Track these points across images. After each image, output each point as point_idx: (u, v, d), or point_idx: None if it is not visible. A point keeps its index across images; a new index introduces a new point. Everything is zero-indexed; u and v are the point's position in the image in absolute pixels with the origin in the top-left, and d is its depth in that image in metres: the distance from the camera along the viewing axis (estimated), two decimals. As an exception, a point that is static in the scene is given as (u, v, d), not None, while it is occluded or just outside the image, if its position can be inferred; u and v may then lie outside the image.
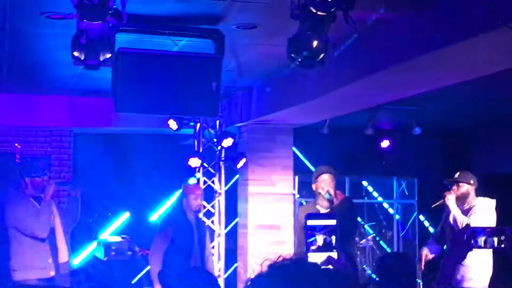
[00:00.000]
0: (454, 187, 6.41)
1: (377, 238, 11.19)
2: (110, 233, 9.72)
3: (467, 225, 2.57)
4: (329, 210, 6.25)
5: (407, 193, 11.38)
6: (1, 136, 8.90)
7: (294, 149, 8.76)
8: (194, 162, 8.09)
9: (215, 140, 8.47)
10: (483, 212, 6.27)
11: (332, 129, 9.68)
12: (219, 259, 8.54)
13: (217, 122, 8.56)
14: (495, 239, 2.49)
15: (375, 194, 11.63)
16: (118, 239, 9.21)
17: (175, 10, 4.84)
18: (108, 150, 9.46)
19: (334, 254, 2.00)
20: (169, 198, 10.07)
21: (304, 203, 10.54)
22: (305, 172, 10.57)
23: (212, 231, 8.51)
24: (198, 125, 8.65)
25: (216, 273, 8.29)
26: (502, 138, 10.74)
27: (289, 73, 6.74)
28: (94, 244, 9.41)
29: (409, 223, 11.32)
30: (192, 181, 8.04)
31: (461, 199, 6.39)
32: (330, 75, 5.81)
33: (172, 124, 8.34)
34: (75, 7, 3.69)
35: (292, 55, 4.16)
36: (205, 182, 8.60)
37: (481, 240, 2.49)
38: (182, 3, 4.70)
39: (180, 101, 5.30)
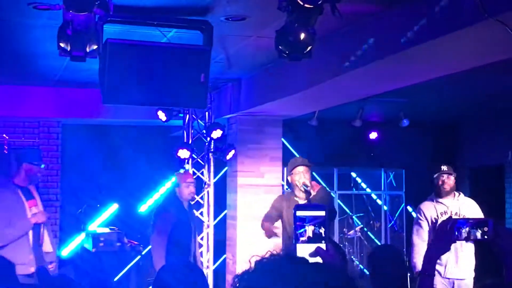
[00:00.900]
0: (445, 179, 6.52)
1: (365, 229, 11.25)
2: (98, 224, 9.71)
3: (450, 217, 2.58)
4: (306, 201, 6.27)
5: (395, 185, 11.45)
6: (-12, 127, 8.86)
7: (283, 140, 8.77)
8: (183, 153, 8.09)
9: (204, 131, 8.47)
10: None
11: (320, 120, 9.71)
12: (208, 250, 8.56)
13: (206, 113, 8.56)
14: (479, 231, 2.50)
15: (363, 185, 11.69)
16: (106, 230, 9.21)
17: (163, 1, 4.83)
18: (96, 141, 9.45)
19: (323, 246, 2.01)
20: (158, 189, 10.07)
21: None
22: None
23: (201, 222, 8.52)
24: (187, 116, 8.65)
25: (204, 265, 8.32)
26: (489, 130, 10.81)
27: (278, 65, 6.75)
28: (82, 235, 9.40)
29: (397, 214, 11.40)
30: (183, 170, 8.05)
31: (450, 191, 6.53)
32: (318, 67, 5.82)
33: (161, 116, 8.34)
34: (61, -3, 3.67)
35: (280, 47, 4.17)
36: (194, 174, 8.59)
37: (465, 231, 2.50)
38: (170, -6, 4.69)
39: (168, 93, 5.29)
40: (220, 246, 8.80)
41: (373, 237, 11.38)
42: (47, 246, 6.29)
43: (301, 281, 1.47)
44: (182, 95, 5.37)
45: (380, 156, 11.00)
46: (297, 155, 10.86)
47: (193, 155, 8.42)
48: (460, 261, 6.43)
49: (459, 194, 6.62)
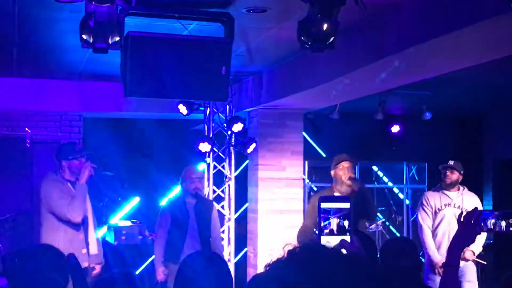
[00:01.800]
0: (448, 173, 7.06)
1: (387, 223, 11.19)
2: (120, 217, 9.76)
3: (475, 208, 2.55)
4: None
5: (417, 178, 11.37)
6: (11, 121, 8.92)
7: (304, 134, 8.75)
8: (204, 147, 8.10)
9: (225, 125, 8.46)
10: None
11: (342, 114, 9.66)
12: (229, 244, 8.56)
13: (227, 107, 8.55)
14: (504, 222, 2.48)
15: (385, 179, 11.62)
16: (128, 223, 9.25)
17: (184, -6, 4.82)
18: (117, 134, 9.47)
19: (347, 238, 2.00)
20: (179, 183, 10.08)
21: (315, 189, 10.55)
22: (315, 157, 10.58)
23: (222, 216, 8.53)
24: (208, 110, 8.64)
25: (226, 257, 8.32)
26: (512, 123, 10.70)
27: (299, 58, 6.72)
28: (104, 229, 9.45)
29: (419, 208, 11.30)
30: (200, 166, 8.08)
31: (452, 185, 7.08)
32: (340, 59, 5.78)
33: (182, 109, 8.35)
34: (83, -11, 3.68)
35: (302, 38, 4.14)
36: (215, 167, 8.61)
37: (490, 222, 2.48)
38: (191, -14, 4.68)
39: (189, 86, 5.29)
40: (241, 239, 8.81)
41: (394, 231, 11.32)
42: (92, 247, 6.23)
43: (334, 272, 1.45)
44: (203, 88, 5.36)
45: (402, 150, 10.93)
46: (318, 149, 10.85)
47: (214, 149, 8.42)
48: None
49: (464, 188, 7.15)
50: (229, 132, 8.37)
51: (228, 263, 8.30)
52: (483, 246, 7.84)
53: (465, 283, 6.83)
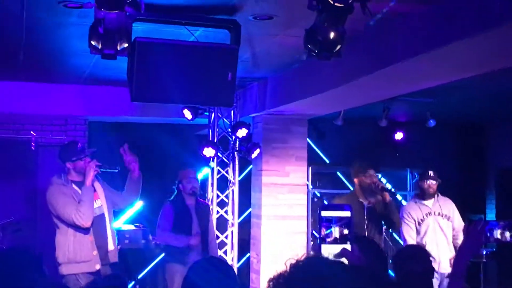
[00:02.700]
0: (432, 183, 7.27)
1: (390, 230, 11.16)
2: (124, 221, 9.77)
3: (480, 218, 2.57)
4: (371, 204, 6.67)
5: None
6: (17, 124, 8.95)
7: (308, 140, 8.76)
8: (209, 151, 8.12)
9: (229, 130, 8.48)
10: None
11: (346, 120, 9.68)
12: (232, 249, 8.57)
13: (232, 112, 8.58)
14: (508, 233, 2.50)
15: (388, 185, 11.60)
16: (132, 227, 9.26)
17: (192, 0, 4.84)
18: (122, 139, 9.48)
19: (348, 247, 2.01)
20: (175, 186, 10.07)
21: (318, 195, 10.55)
22: (319, 163, 10.60)
23: (225, 221, 8.55)
24: (213, 115, 8.67)
25: (229, 263, 8.33)
26: (517, 131, 10.70)
27: (304, 65, 6.74)
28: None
29: (422, 215, 11.29)
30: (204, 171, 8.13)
31: (432, 195, 7.32)
32: (345, 66, 5.80)
33: (187, 114, 8.38)
34: (93, -4, 3.70)
35: (309, 46, 4.17)
36: (219, 172, 8.63)
37: (496, 233, 2.50)
38: (199, -7, 4.70)
39: (195, 91, 5.31)
40: (245, 244, 8.82)
41: (397, 237, 11.30)
42: (109, 243, 6.18)
43: (338, 284, 1.46)
44: (209, 94, 5.38)
45: (406, 157, 10.93)
46: (322, 155, 10.86)
47: (218, 154, 8.44)
48: (446, 255, 7.03)
49: (438, 194, 7.37)
50: (234, 137, 8.39)
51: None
52: (486, 254, 7.89)
53: None
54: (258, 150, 8.07)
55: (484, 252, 8.02)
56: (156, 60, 4.98)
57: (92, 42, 3.96)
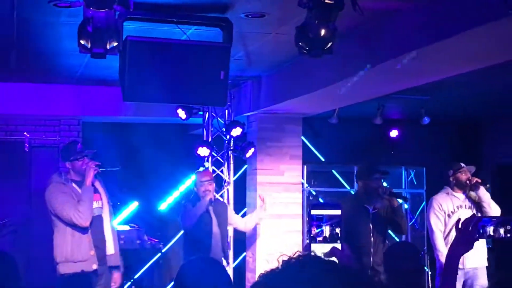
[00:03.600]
0: (468, 174, 6.92)
1: (394, 235, 11.16)
2: (119, 222, 9.74)
3: (473, 215, 2.55)
4: (376, 210, 6.37)
5: (415, 183, 11.36)
6: (10, 125, 8.93)
7: (303, 138, 8.75)
8: (203, 151, 8.09)
9: (224, 129, 8.46)
10: None
11: (341, 118, 9.66)
12: (228, 248, 8.54)
13: (226, 111, 8.56)
14: (502, 229, 2.47)
15: (384, 183, 11.59)
16: (127, 228, 9.23)
17: (183, -2, 4.82)
18: (116, 139, 9.47)
19: (338, 246, 1.99)
20: (177, 187, 10.08)
21: (314, 193, 10.53)
22: (314, 162, 10.58)
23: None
24: (207, 114, 8.64)
25: (225, 262, 8.31)
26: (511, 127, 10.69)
27: (298, 63, 6.72)
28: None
29: (417, 213, 11.30)
30: (202, 169, 8.08)
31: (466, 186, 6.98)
32: (339, 64, 5.78)
33: (181, 113, 8.35)
34: (82, -6, 3.68)
35: (300, 43, 4.15)
36: (214, 172, 8.60)
37: (490, 229, 2.47)
38: (190, -9, 4.68)
39: (188, 90, 5.29)
40: (240, 244, 8.80)
41: (393, 235, 11.29)
42: (109, 246, 6.07)
43: (328, 283, 1.44)
44: (202, 93, 5.36)
45: (401, 154, 10.92)
46: (317, 153, 10.84)
47: (213, 153, 8.42)
48: (475, 250, 6.50)
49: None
50: (228, 137, 8.37)
51: (227, 268, 8.30)
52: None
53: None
54: (252, 149, 8.05)
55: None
56: (148, 59, 4.96)
57: (81, 41, 3.93)
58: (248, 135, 8.53)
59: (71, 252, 5.85)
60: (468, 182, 6.82)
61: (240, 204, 8.85)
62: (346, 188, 10.72)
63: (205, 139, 8.61)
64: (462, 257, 6.90)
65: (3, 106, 8.34)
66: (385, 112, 9.67)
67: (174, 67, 5.09)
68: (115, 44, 3.97)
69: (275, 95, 7.58)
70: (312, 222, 2.03)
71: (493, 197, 6.93)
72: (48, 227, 6.10)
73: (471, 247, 2.53)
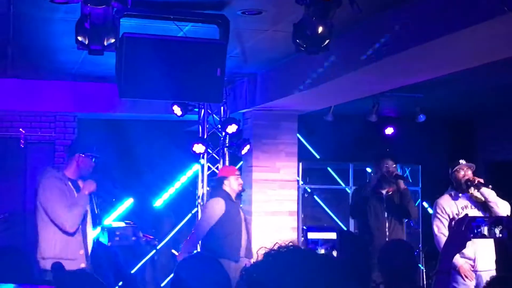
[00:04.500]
0: (468, 172, 6.65)
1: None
2: (114, 218, 9.74)
3: (466, 215, 2.55)
4: (389, 193, 7.07)
5: (411, 180, 11.37)
6: (5, 121, 8.91)
7: (298, 135, 8.75)
8: (199, 148, 8.09)
9: (219, 126, 8.46)
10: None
11: (336, 115, 9.67)
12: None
13: (222, 108, 8.56)
14: (496, 229, 2.49)
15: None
16: (122, 224, 9.23)
17: (180, -5, 4.82)
18: (112, 135, 9.46)
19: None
20: (173, 184, 10.08)
21: (309, 190, 10.55)
22: (309, 159, 10.59)
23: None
24: (203, 111, 8.65)
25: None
26: (506, 125, 10.72)
27: (293, 60, 6.73)
28: (98, 230, 9.42)
29: (413, 210, 11.31)
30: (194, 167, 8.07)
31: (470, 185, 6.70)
32: (335, 61, 5.79)
33: (177, 110, 8.34)
34: (79, -9, 3.68)
35: (298, 40, 4.15)
36: (209, 168, 8.61)
37: (484, 229, 2.49)
38: (186, -12, 4.68)
39: (184, 87, 5.29)
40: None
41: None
42: (90, 248, 6.06)
43: (308, 272, 1.46)
44: (198, 90, 5.36)
45: (396, 152, 10.91)
46: (312, 150, 10.85)
47: (208, 150, 8.42)
48: (485, 253, 6.47)
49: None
50: (224, 134, 8.37)
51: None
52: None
53: None
54: (248, 146, 8.06)
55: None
56: (145, 56, 4.96)
57: (79, 38, 3.93)
58: (243, 132, 8.54)
59: (60, 249, 5.73)
60: (468, 182, 6.53)
61: (236, 201, 8.85)
62: (341, 185, 10.73)
63: (200, 136, 8.61)
64: (474, 258, 6.67)
65: (-1, 102, 8.34)
66: (380, 110, 9.68)
67: (171, 64, 5.09)
68: (113, 41, 3.97)
69: (270, 92, 7.59)
70: (308, 245, 2.05)
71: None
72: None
73: (464, 247, 2.54)
